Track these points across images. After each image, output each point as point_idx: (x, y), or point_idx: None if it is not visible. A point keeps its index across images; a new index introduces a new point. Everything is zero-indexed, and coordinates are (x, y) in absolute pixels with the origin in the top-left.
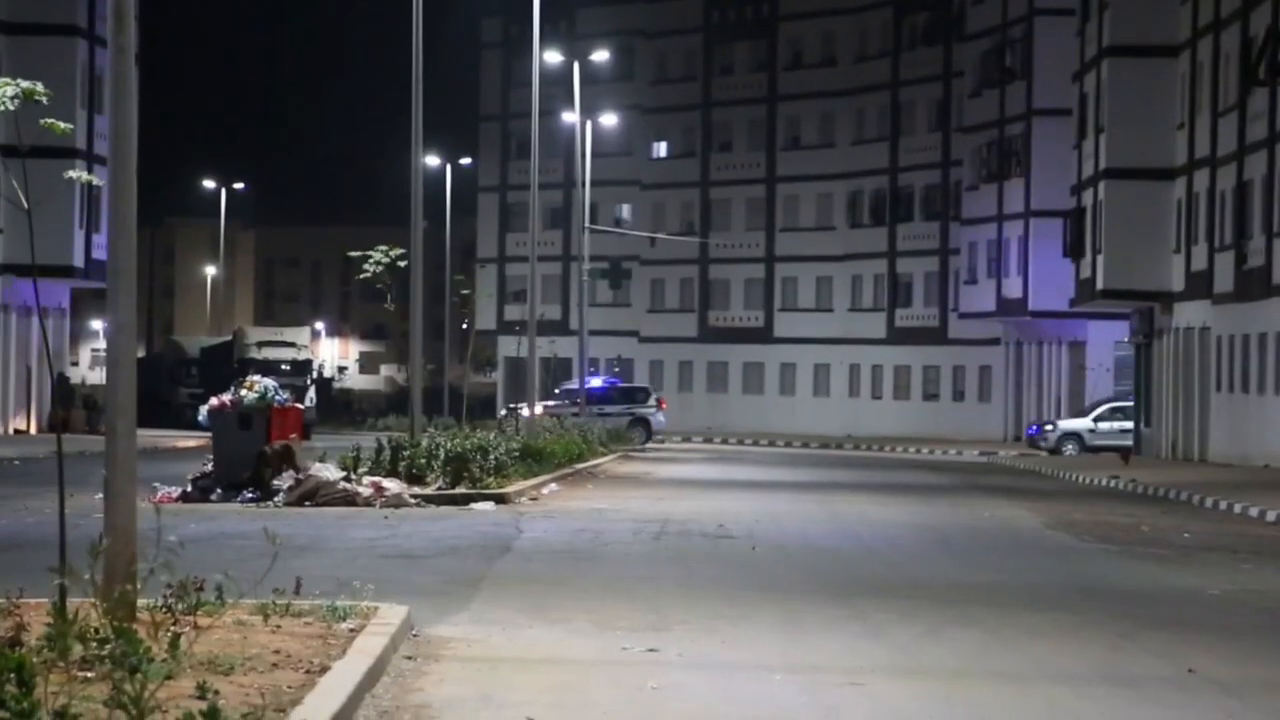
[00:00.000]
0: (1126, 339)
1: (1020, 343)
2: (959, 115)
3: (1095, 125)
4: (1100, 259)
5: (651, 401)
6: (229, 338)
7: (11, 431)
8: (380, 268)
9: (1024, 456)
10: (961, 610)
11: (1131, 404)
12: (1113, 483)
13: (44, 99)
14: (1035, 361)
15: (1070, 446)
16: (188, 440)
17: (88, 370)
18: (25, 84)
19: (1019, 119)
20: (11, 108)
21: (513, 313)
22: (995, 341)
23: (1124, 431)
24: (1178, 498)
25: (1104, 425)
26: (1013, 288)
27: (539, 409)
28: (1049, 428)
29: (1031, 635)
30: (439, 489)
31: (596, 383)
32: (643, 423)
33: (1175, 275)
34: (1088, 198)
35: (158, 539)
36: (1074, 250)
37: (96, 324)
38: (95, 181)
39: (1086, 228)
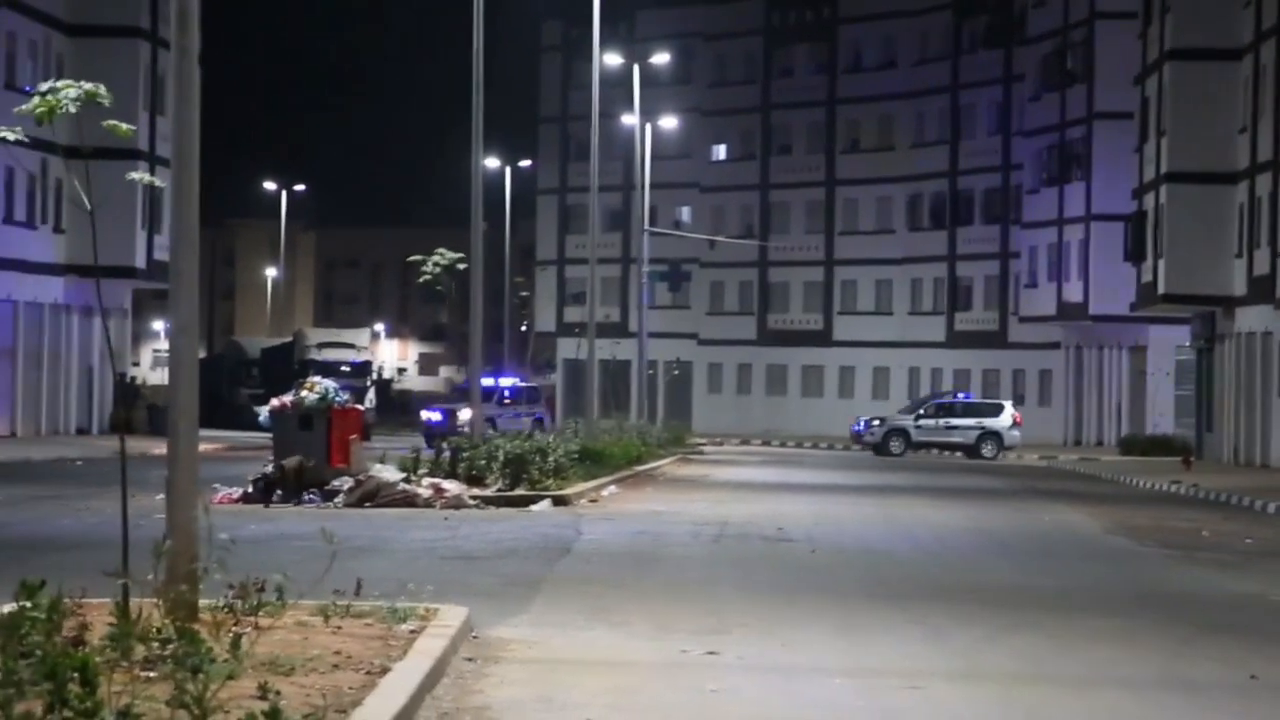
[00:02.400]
0: (1188, 343)
1: (1080, 347)
2: (1019, 118)
3: (1157, 129)
4: (1162, 263)
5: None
6: (289, 339)
7: (74, 432)
8: (439, 269)
9: (1085, 461)
10: (1021, 614)
11: (960, 401)
12: (1173, 488)
13: (106, 101)
14: (1095, 366)
15: (896, 443)
16: (248, 441)
17: (149, 371)
18: (88, 86)
19: (1080, 122)
20: (74, 110)
21: (572, 315)
22: (1055, 345)
23: (950, 428)
24: (1239, 503)
25: (928, 422)
26: (1073, 292)
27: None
28: (875, 423)
29: (1091, 640)
30: (498, 491)
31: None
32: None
33: (1237, 280)
34: (1149, 201)
35: (208, 538)
36: (1135, 254)
37: (158, 325)
38: (157, 183)
39: (1148, 232)
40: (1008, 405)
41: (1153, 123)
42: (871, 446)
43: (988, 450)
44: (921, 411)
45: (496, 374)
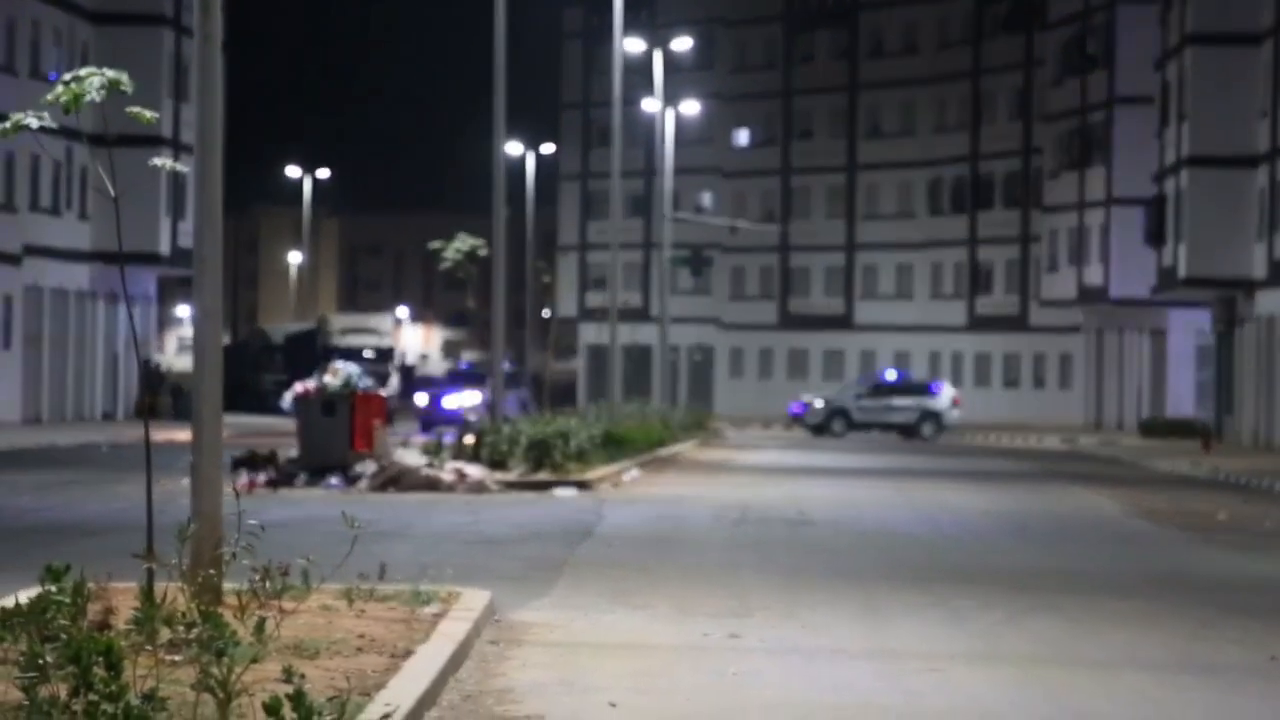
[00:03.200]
0: (1208, 327)
1: (1101, 330)
2: (1040, 103)
3: (1177, 113)
4: (1182, 247)
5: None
6: (313, 325)
7: (99, 417)
8: (460, 256)
9: (1105, 444)
10: (1041, 597)
11: (901, 381)
12: (1193, 470)
13: (129, 89)
14: (1116, 349)
15: (839, 424)
16: (272, 427)
17: (174, 357)
18: (111, 74)
19: (1101, 107)
20: (99, 99)
21: (594, 300)
22: (1076, 329)
23: (891, 409)
24: (1259, 485)
25: (868, 402)
26: (1094, 275)
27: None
28: (817, 404)
29: (1112, 623)
30: (521, 475)
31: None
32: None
33: (1257, 263)
34: (1170, 185)
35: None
36: (1155, 238)
37: (182, 311)
38: (181, 169)
39: (1168, 215)
40: (947, 385)
41: (1173, 107)
42: (812, 428)
43: (927, 430)
44: (863, 391)
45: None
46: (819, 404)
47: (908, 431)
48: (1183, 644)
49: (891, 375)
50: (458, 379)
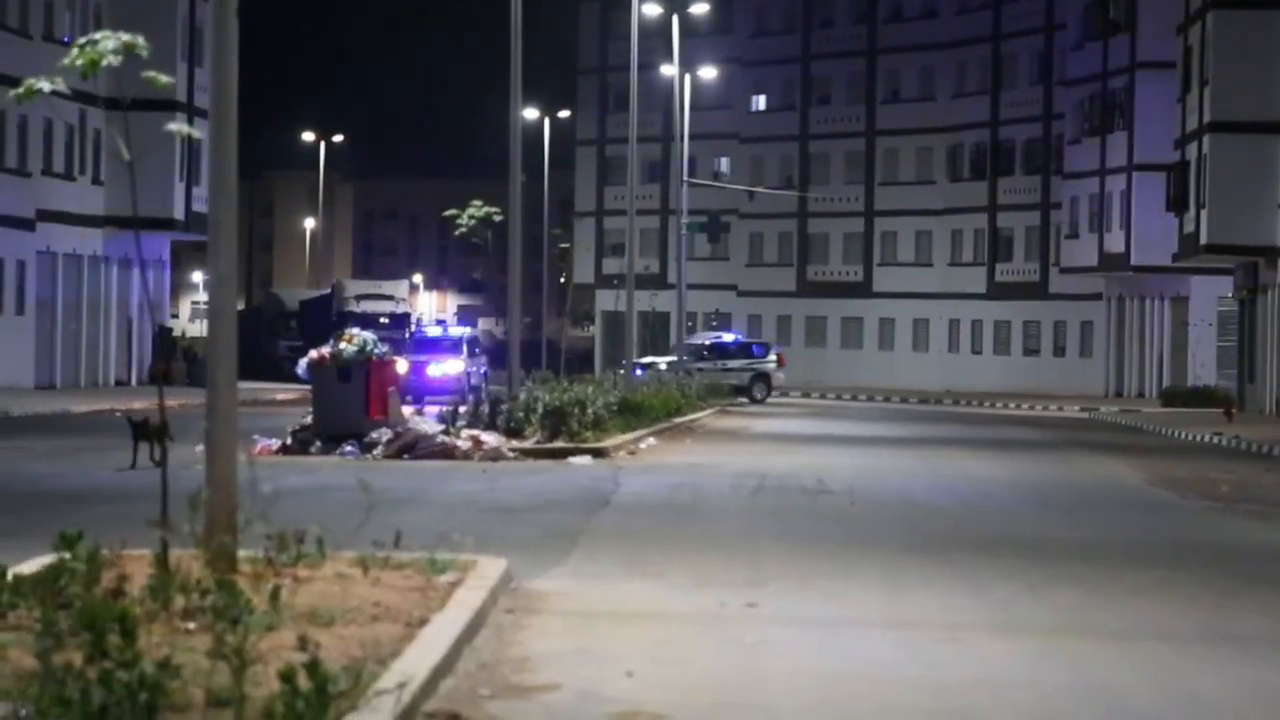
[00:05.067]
0: (1230, 294)
1: (1122, 298)
2: (1061, 68)
3: (1200, 78)
4: (1204, 213)
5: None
6: (328, 291)
7: (113, 384)
8: (473, 222)
9: (1126, 413)
10: (1062, 567)
11: (737, 343)
12: (1215, 439)
13: (144, 53)
14: (1137, 317)
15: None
16: (287, 393)
17: (188, 323)
18: (126, 38)
19: (1122, 72)
20: (115, 63)
21: (611, 266)
22: (1097, 296)
23: (726, 370)
24: None
25: (707, 364)
26: (1115, 242)
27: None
28: (661, 364)
29: (1132, 592)
30: (537, 443)
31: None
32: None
33: None
34: (1191, 151)
35: (252, 490)
36: (1177, 204)
37: (197, 277)
38: (195, 135)
39: (1190, 182)
40: (772, 347)
41: (1195, 72)
42: None
43: (758, 391)
44: (705, 353)
45: (443, 324)
46: (662, 364)
47: (741, 392)
48: (1204, 613)
49: (729, 338)
50: (433, 345)
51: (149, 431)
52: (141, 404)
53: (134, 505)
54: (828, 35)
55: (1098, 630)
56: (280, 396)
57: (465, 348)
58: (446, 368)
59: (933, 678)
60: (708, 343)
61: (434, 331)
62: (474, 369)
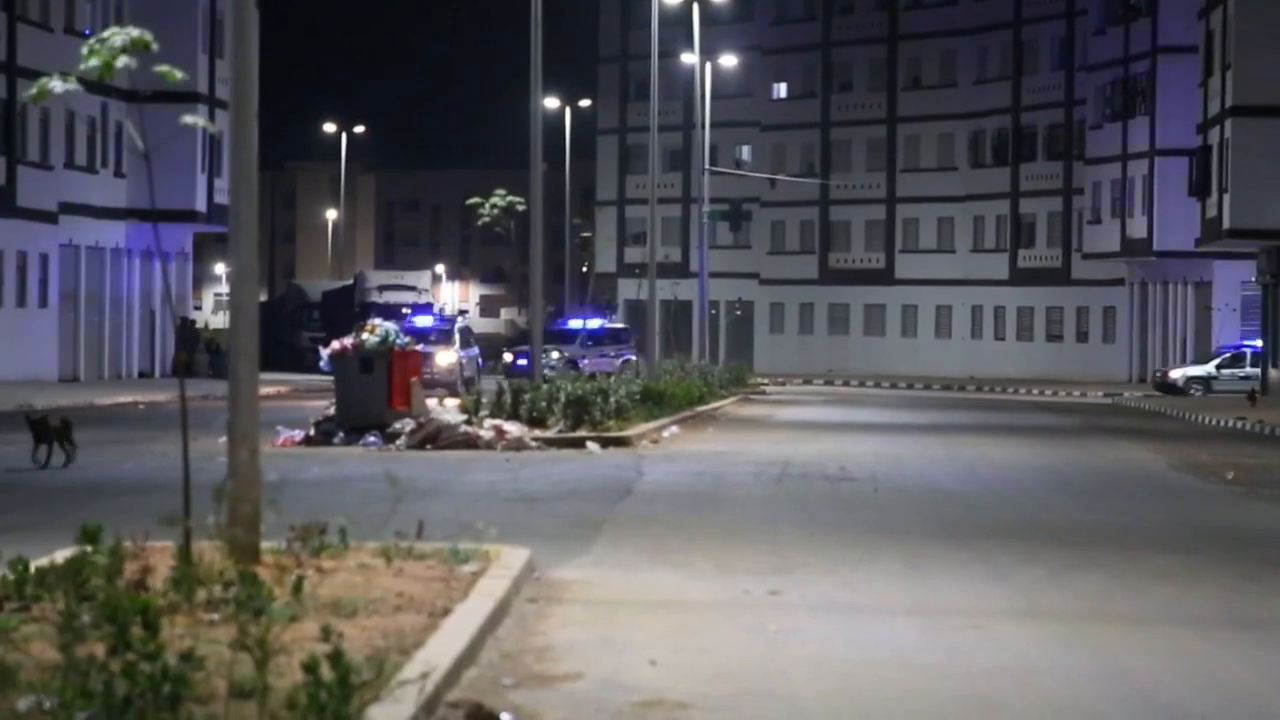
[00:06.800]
0: (1254, 279)
1: (1145, 283)
2: (1083, 53)
3: (1222, 62)
4: (1227, 198)
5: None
6: (350, 281)
7: (136, 375)
8: (496, 211)
9: (1149, 398)
10: (1084, 552)
11: (619, 329)
12: (1240, 424)
13: (154, 47)
14: (1160, 302)
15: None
16: (310, 384)
17: (210, 315)
18: (135, 33)
19: (1144, 56)
20: (128, 64)
21: (632, 255)
22: (1120, 282)
23: (611, 357)
24: None
25: (590, 353)
26: (1137, 228)
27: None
28: (554, 355)
29: (1155, 578)
30: (560, 432)
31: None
32: None
33: None
34: (1214, 136)
35: (275, 482)
36: (1200, 189)
37: (219, 268)
38: (211, 127)
39: (1213, 166)
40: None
41: (1217, 56)
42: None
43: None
44: (591, 342)
45: (585, 315)
46: (555, 355)
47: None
48: (1226, 599)
49: (618, 324)
50: (422, 335)
51: (49, 431)
52: (164, 396)
53: (157, 497)
54: (848, 22)
55: (1120, 615)
56: (303, 388)
57: (458, 337)
58: (437, 358)
59: (956, 664)
60: (593, 332)
61: (424, 321)
62: (466, 359)
